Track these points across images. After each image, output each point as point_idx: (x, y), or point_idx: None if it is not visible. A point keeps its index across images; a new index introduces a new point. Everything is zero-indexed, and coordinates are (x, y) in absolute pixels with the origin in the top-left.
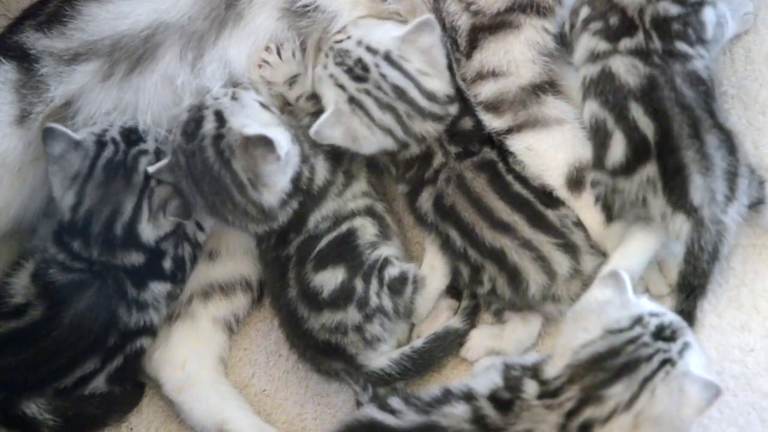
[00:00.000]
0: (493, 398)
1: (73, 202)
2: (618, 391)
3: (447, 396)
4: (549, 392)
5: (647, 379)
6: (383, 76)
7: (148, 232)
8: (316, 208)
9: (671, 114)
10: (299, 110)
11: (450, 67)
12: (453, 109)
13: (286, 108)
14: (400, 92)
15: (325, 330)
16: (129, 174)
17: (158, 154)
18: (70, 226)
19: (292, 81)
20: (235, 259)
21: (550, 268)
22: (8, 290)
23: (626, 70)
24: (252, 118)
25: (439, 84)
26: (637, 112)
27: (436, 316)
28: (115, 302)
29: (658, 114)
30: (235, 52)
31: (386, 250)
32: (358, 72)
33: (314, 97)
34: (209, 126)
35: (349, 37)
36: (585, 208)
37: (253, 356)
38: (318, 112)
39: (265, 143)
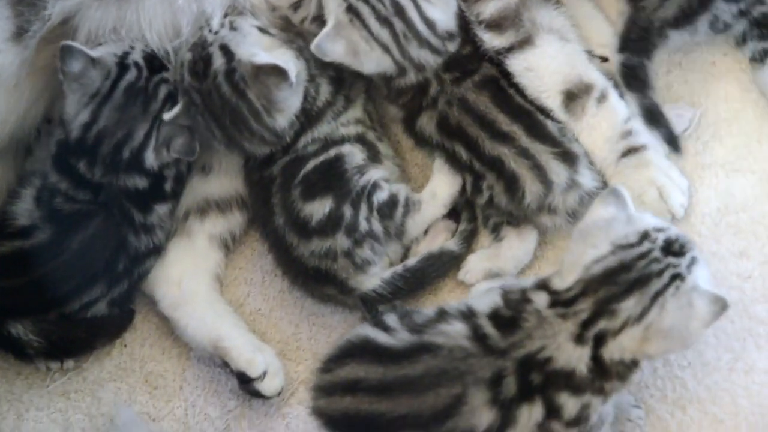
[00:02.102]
0: (494, 316)
1: (88, 120)
2: (630, 305)
3: (442, 315)
4: (562, 302)
5: (658, 294)
6: None
7: (151, 159)
8: (309, 128)
9: None
10: (306, 33)
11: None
12: (452, 47)
13: (293, 29)
14: (398, 8)
15: (314, 257)
16: (148, 101)
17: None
18: (78, 144)
19: (297, 5)
20: (229, 175)
21: (546, 177)
22: (11, 214)
23: None
24: (256, 46)
25: (441, 16)
26: None
27: (434, 237)
28: (124, 230)
29: None
30: None
31: (375, 174)
32: None
33: (318, 18)
34: (219, 62)
35: None
36: (584, 131)
37: (249, 275)
38: None
39: (278, 72)
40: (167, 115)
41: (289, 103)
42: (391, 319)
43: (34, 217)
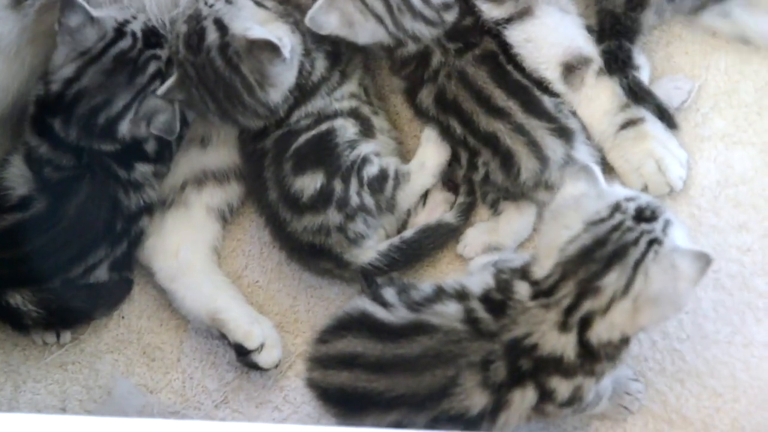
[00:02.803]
0: (486, 299)
1: (71, 75)
2: (612, 279)
3: (439, 294)
4: (543, 291)
5: (639, 262)
6: None
7: (125, 130)
8: (303, 103)
9: None
10: (303, 6)
11: None
12: (449, 17)
13: (290, 1)
14: None
15: (308, 232)
16: (135, 73)
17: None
18: (56, 99)
19: None
20: (227, 146)
21: (542, 153)
22: (5, 182)
23: None
24: (250, 19)
25: None
26: None
27: (433, 209)
28: (112, 187)
29: None
30: None
31: (365, 148)
32: None
33: None
34: (213, 36)
35: None
36: (583, 103)
37: (247, 247)
38: None
39: (271, 47)
40: (160, 90)
41: (283, 78)
42: (389, 294)
43: (29, 185)
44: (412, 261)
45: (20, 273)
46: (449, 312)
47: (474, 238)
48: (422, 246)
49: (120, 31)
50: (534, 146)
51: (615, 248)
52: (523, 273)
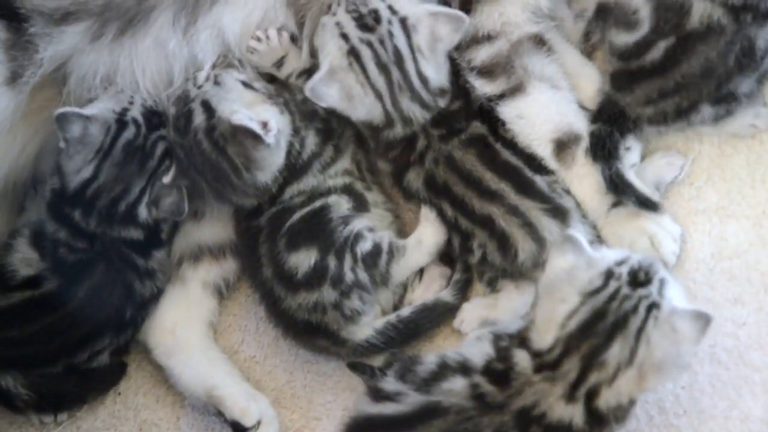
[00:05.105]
0: (488, 371)
1: (89, 176)
2: (616, 352)
3: (443, 369)
4: (547, 365)
5: (640, 330)
6: (390, 34)
7: (144, 214)
8: (295, 180)
9: None
10: (292, 85)
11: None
12: (442, 102)
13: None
14: (398, 57)
15: (303, 310)
16: (145, 158)
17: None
18: (75, 196)
19: (280, 63)
20: (222, 221)
21: (538, 234)
22: (9, 266)
23: None
24: (237, 102)
25: (433, 73)
26: None
27: (429, 284)
28: (129, 276)
29: None
30: (229, 21)
31: (358, 224)
32: (369, 21)
33: (305, 73)
34: (199, 119)
35: None
36: (575, 180)
37: (243, 322)
38: None
39: (253, 135)
40: (166, 178)
41: (269, 161)
42: (390, 384)
43: (38, 267)
44: (409, 339)
45: (24, 354)
46: (456, 389)
47: (471, 313)
48: (419, 324)
49: (121, 122)
50: (529, 228)
51: (615, 319)
52: (521, 340)
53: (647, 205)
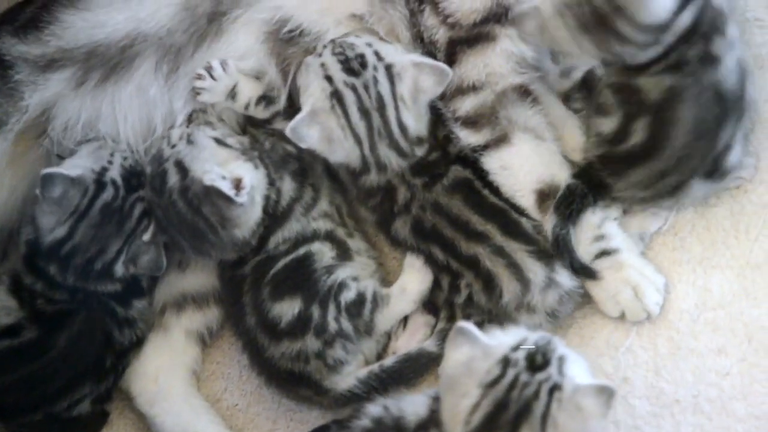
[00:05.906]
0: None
1: (64, 235)
2: None
3: (378, 426)
4: None
5: (545, 416)
6: (375, 80)
7: (121, 271)
8: (278, 229)
9: None
10: (258, 136)
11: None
12: (420, 152)
13: (249, 130)
14: (381, 104)
15: (286, 359)
16: (123, 220)
17: None
18: (50, 252)
19: (233, 93)
20: (206, 270)
21: (522, 275)
22: None
23: None
24: (210, 161)
25: (413, 122)
26: None
27: (413, 333)
28: (108, 324)
29: None
30: None
31: (342, 273)
32: (354, 65)
33: (264, 99)
34: (173, 179)
35: (358, 36)
36: None
37: (226, 370)
38: (272, 119)
39: (225, 197)
40: (145, 236)
41: (245, 218)
42: None
43: (17, 315)
44: (391, 389)
45: (4, 403)
46: None
47: None
48: (402, 374)
49: (100, 182)
50: (514, 268)
51: (518, 408)
52: (436, 422)
53: (585, 273)
